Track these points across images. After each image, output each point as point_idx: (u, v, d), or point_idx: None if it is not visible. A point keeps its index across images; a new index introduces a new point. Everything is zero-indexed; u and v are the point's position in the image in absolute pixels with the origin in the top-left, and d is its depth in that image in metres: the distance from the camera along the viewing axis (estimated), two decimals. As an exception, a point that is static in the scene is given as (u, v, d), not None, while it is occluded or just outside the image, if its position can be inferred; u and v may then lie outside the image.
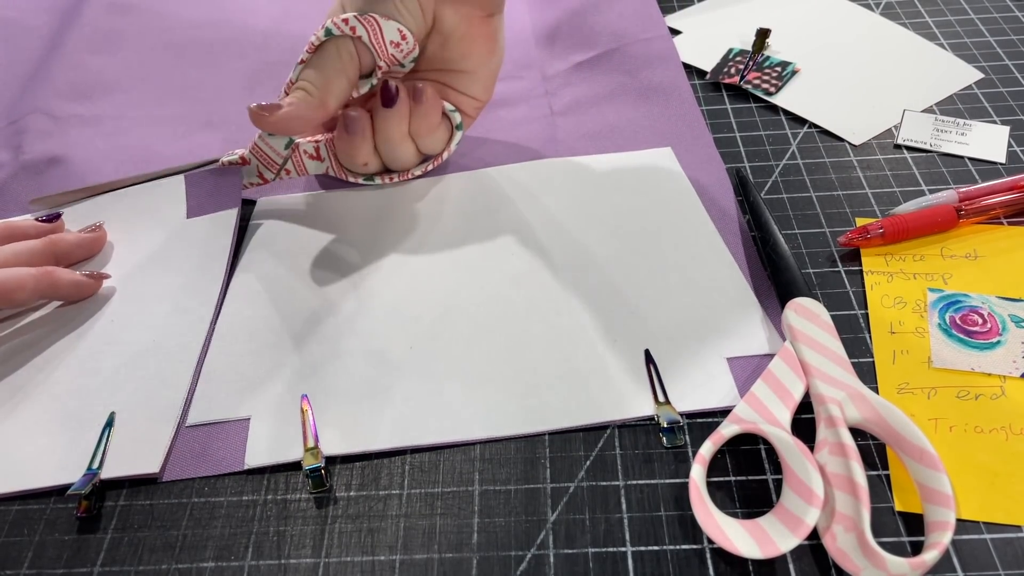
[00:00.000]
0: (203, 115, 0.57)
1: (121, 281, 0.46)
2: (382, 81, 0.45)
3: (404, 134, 0.47)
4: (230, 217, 0.48)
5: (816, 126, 0.53)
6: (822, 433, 0.35)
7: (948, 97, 0.54)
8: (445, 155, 0.49)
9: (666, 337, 0.40)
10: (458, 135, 0.49)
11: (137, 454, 0.38)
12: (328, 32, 0.43)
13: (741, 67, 0.57)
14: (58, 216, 0.48)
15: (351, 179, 0.50)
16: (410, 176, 0.50)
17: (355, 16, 0.43)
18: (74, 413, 0.40)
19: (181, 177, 0.50)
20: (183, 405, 0.40)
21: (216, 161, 0.48)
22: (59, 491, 0.37)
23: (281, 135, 0.46)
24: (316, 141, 0.48)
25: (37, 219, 0.47)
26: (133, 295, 0.45)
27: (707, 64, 0.58)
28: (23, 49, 0.64)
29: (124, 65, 0.62)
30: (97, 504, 0.36)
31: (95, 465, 0.37)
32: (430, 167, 0.50)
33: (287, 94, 0.44)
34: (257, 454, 0.37)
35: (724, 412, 0.37)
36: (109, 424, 0.39)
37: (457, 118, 0.48)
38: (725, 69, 0.57)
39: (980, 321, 0.40)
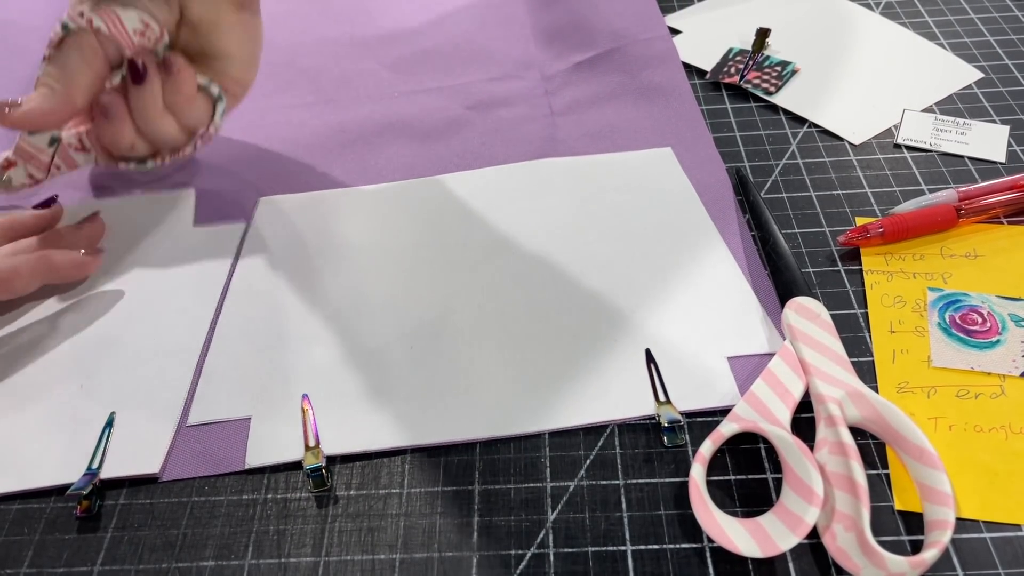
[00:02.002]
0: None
1: (123, 282, 0.46)
2: (129, 60, 0.44)
3: (161, 110, 0.46)
4: (237, 229, 0.49)
5: (816, 125, 0.53)
6: (822, 432, 0.35)
7: (948, 96, 0.54)
8: (213, 129, 0.49)
9: (667, 336, 0.40)
10: (220, 107, 0.48)
11: (137, 454, 0.38)
12: (65, 27, 0.43)
13: (741, 67, 0.57)
14: (54, 200, 0.47)
15: (123, 166, 0.49)
16: (183, 155, 0.49)
17: (90, 8, 0.42)
18: (74, 413, 0.40)
19: (191, 190, 0.51)
20: (183, 405, 0.40)
21: None
22: (59, 490, 0.37)
23: (29, 131, 0.45)
24: (79, 132, 0.47)
25: (34, 207, 0.47)
26: (134, 295, 0.45)
27: (707, 64, 0.58)
28: (23, 52, 0.64)
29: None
30: (98, 503, 0.36)
31: (95, 465, 0.37)
32: (200, 143, 0.49)
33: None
34: (258, 454, 0.37)
35: (724, 411, 0.37)
36: (109, 424, 0.39)
37: (215, 89, 0.48)
38: (725, 69, 0.57)
39: (980, 320, 0.40)
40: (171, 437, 0.38)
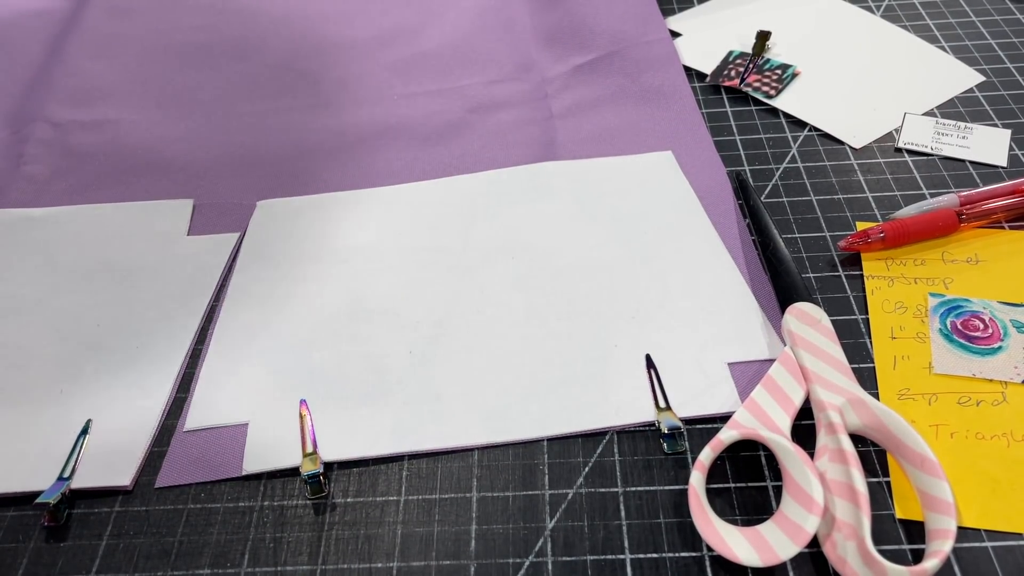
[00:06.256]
0: (203, 118, 0.57)
1: (113, 288, 0.46)
2: None
3: None
4: (231, 239, 0.48)
5: (816, 129, 0.52)
6: (822, 439, 0.34)
7: (949, 100, 0.53)
8: None
9: (667, 342, 0.40)
10: None
11: (110, 465, 0.37)
12: None
13: (741, 70, 0.57)
14: None
15: None
16: None
17: None
18: (52, 418, 0.39)
19: (190, 201, 0.50)
20: (161, 415, 0.39)
21: None
22: (30, 498, 0.36)
23: None
24: None
25: None
26: (123, 301, 0.45)
27: (707, 67, 0.58)
28: (24, 55, 0.64)
29: (124, 69, 0.62)
30: (66, 510, 0.36)
31: (66, 474, 0.37)
32: None
33: None
34: (255, 459, 0.37)
35: (724, 418, 0.37)
36: (84, 431, 0.38)
37: None
38: (725, 72, 0.57)
39: (981, 326, 0.40)
40: (146, 450, 0.38)
